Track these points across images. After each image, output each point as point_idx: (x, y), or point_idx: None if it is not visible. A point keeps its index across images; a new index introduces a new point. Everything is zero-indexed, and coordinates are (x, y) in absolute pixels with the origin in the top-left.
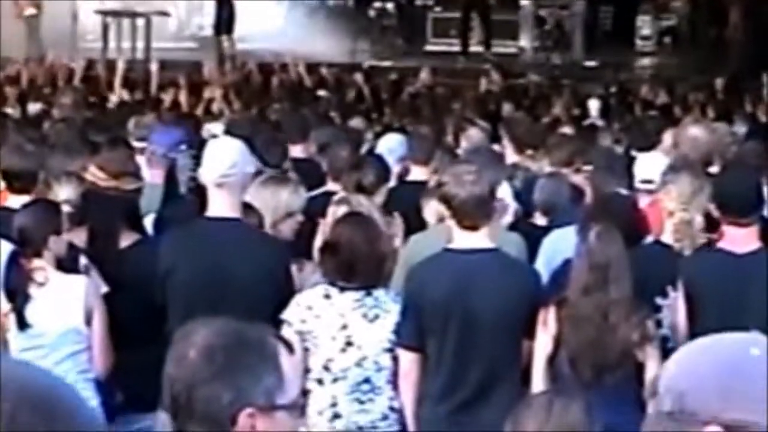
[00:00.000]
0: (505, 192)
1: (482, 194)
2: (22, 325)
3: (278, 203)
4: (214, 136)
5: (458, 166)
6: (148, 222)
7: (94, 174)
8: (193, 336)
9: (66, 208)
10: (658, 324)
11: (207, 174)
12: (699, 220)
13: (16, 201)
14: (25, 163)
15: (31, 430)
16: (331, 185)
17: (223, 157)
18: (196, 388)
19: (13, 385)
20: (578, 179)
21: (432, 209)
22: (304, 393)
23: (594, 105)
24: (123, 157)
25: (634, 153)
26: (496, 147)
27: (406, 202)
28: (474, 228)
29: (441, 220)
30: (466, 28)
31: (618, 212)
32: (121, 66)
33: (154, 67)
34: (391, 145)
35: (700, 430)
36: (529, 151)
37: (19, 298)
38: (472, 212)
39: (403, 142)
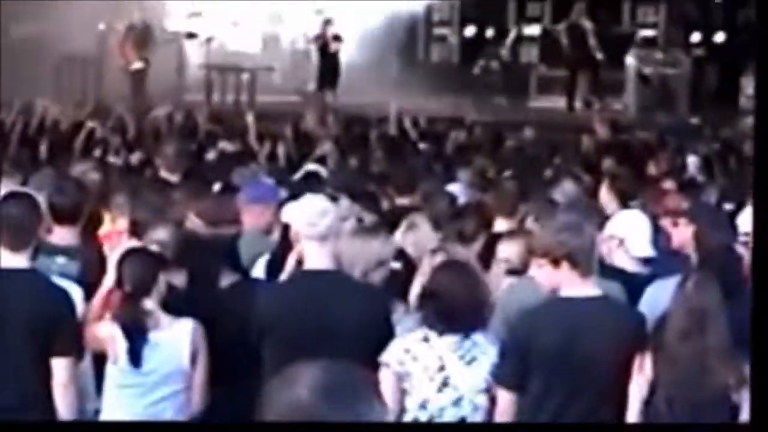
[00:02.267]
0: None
1: (586, 245)
2: (137, 362)
3: (370, 253)
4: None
5: (564, 217)
6: (261, 264)
7: (192, 221)
8: (302, 378)
9: (156, 248)
10: None
11: (303, 228)
12: None
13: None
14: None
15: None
16: None
17: (315, 212)
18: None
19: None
20: (671, 229)
21: (507, 252)
22: None
23: (693, 161)
24: (221, 205)
25: (729, 206)
26: None
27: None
28: (583, 277)
29: (506, 260)
30: (573, 86)
31: (725, 266)
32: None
33: (250, 118)
34: None
35: None
36: (633, 203)
37: (135, 336)
38: (579, 261)
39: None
